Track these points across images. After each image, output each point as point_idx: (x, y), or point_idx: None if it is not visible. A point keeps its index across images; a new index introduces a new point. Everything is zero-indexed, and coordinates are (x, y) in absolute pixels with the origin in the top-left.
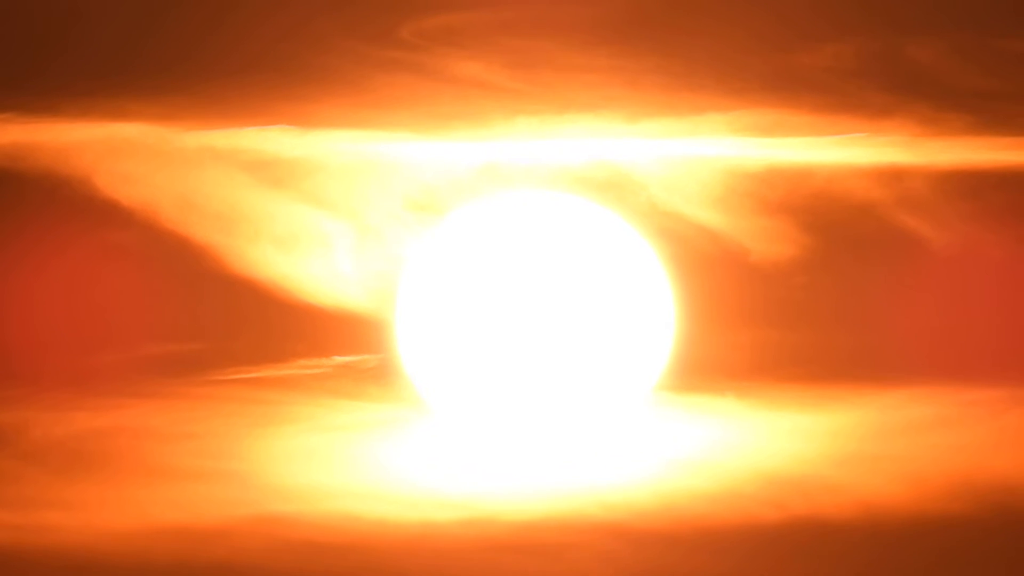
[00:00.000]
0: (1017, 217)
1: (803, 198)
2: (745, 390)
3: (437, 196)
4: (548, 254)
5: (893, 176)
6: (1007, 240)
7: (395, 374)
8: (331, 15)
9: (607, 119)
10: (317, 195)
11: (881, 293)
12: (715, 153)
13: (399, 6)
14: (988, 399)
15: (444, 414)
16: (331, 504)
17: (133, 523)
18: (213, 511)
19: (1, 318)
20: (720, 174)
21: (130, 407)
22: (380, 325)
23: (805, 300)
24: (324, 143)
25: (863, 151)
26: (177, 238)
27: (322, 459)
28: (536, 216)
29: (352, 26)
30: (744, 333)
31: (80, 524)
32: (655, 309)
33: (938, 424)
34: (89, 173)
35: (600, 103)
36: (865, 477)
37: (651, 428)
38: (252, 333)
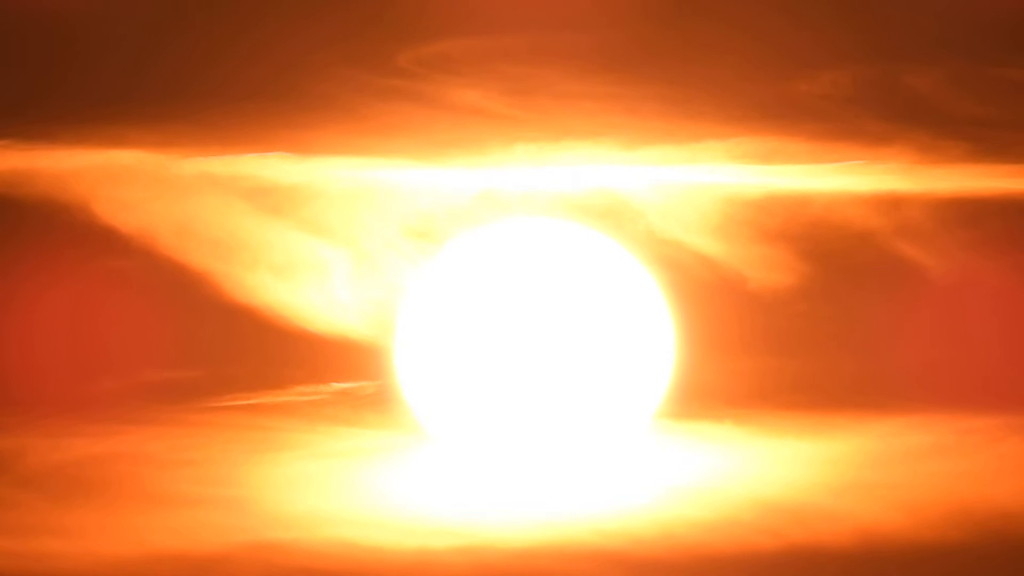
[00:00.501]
0: (1015, 244)
1: (801, 226)
2: (743, 418)
3: (435, 223)
4: (546, 281)
5: (891, 204)
6: (1005, 267)
7: (393, 401)
8: (329, 43)
9: (605, 146)
10: (315, 222)
11: (879, 321)
12: (713, 181)
13: (397, 34)
14: (986, 427)
15: (442, 441)
16: (329, 531)
17: (131, 550)
18: (211, 538)
19: None
20: (718, 202)
21: (128, 433)
22: (378, 352)
23: (803, 328)
24: (322, 170)
25: (861, 179)
26: (175, 265)
27: (320, 486)
28: (534, 243)
29: (350, 54)
30: (742, 361)
31: (78, 551)
32: (654, 337)
33: (936, 452)
34: (87, 200)
35: (598, 130)
36: (863, 505)
37: (649, 456)
38: (250, 360)
